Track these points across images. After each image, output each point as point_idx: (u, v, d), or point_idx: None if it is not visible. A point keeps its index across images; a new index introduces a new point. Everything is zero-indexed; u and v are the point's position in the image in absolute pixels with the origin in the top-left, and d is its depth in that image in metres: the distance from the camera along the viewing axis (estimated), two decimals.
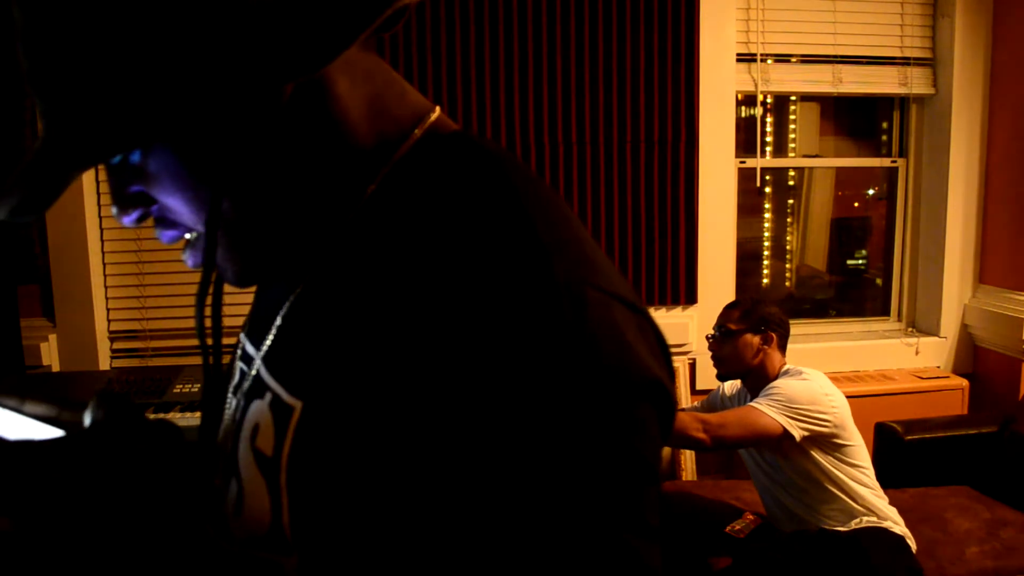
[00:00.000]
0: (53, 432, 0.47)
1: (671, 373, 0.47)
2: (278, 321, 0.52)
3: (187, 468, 0.48)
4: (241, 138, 0.45)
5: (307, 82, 0.46)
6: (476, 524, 0.39)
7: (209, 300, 0.49)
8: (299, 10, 0.42)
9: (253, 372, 0.53)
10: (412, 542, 0.42)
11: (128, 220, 0.48)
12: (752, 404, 1.90)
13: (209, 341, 0.49)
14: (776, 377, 2.01)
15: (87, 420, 0.45)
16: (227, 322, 0.53)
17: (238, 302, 0.77)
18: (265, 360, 0.52)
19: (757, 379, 2.04)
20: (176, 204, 0.47)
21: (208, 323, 0.49)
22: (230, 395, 0.56)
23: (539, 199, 0.46)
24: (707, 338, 2.15)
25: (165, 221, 0.49)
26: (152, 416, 0.52)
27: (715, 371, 2.12)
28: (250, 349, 0.55)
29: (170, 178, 0.46)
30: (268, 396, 0.49)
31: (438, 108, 0.53)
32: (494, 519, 0.39)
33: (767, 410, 1.85)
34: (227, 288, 0.53)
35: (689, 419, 1.83)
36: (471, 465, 0.39)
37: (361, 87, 0.49)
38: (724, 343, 2.06)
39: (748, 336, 2.04)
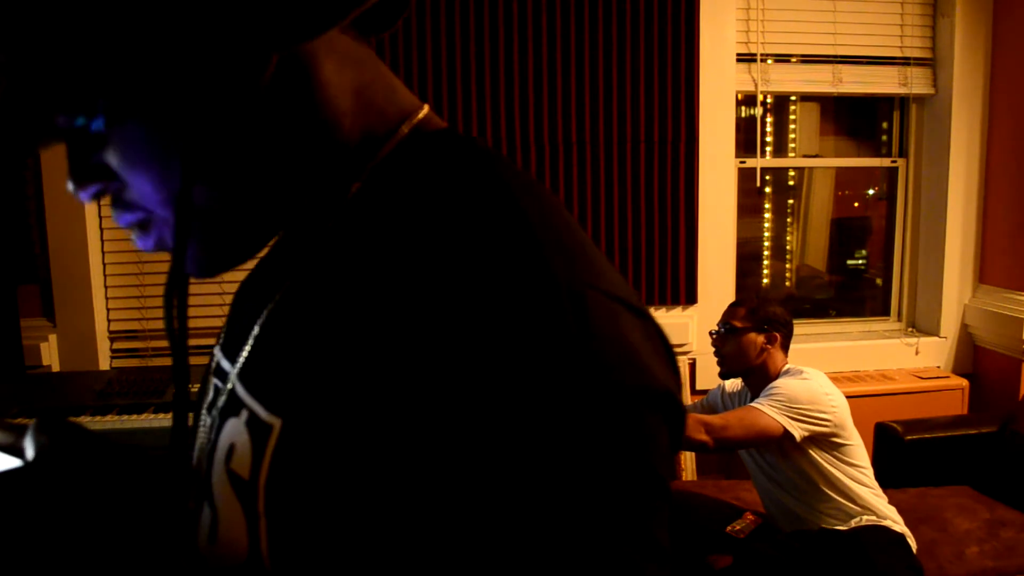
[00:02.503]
0: (11, 462, 0.43)
1: (678, 380, 0.44)
2: (255, 331, 0.48)
3: (153, 492, 0.44)
4: (218, 115, 0.42)
5: (292, 63, 0.43)
6: (474, 548, 0.36)
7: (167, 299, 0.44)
8: None
9: (228, 387, 0.48)
10: (403, 569, 0.38)
11: (85, 195, 0.45)
12: (753, 404, 1.90)
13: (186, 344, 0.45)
14: (777, 376, 2.01)
15: (29, 451, 0.41)
16: (205, 323, 0.50)
17: (213, 303, 0.76)
18: (241, 375, 0.48)
19: (759, 378, 2.04)
20: (139, 183, 0.43)
21: (179, 326, 0.44)
22: (204, 413, 0.52)
23: (535, 199, 0.43)
24: (710, 334, 2.15)
25: (123, 201, 0.45)
26: (152, 416, 0.51)
27: (717, 368, 2.12)
28: (225, 364, 0.51)
29: (137, 152, 0.42)
30: (244, 414, 0.45)
31: (427, 106, 0.51)
32: (494, 542, 0.35)
33: (768, 410, 1.85)
34: (205, 289, 0.49)
35: (691, 421, 1.83)
36: (469, 485, 0.35)
37: (349, 77, 0.46)
38: (728, 340, 2.06)
39: (752, 335, 2.04)
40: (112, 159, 0.43)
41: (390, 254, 0.42)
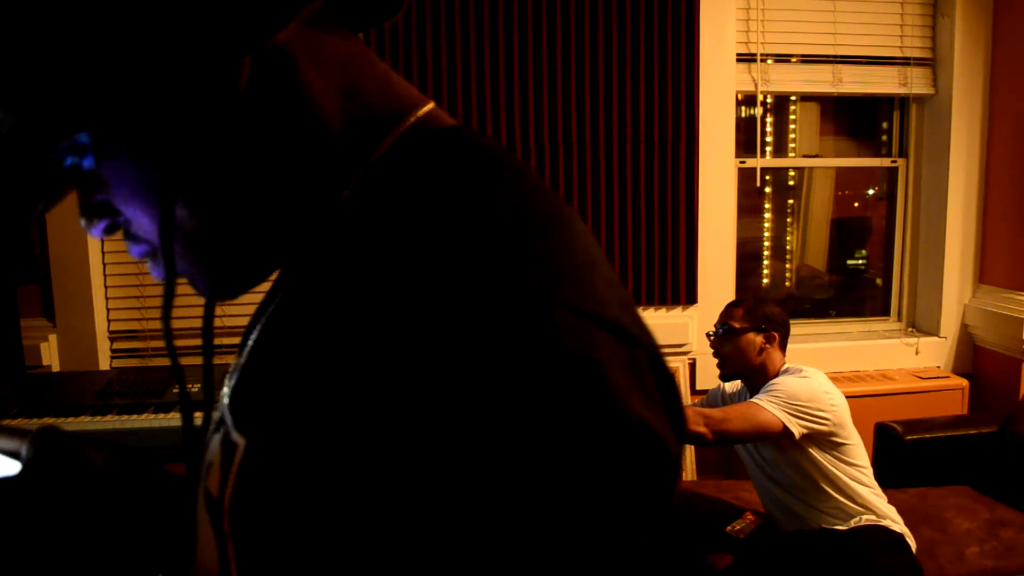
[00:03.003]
0: (12, 468, 0.44)
1: (675, 416, 0.39)
2: (249, 343, 0.46)
3: (153, 506, 0.43)
4: (194, 132, 0.40)
5: (271, 68, 0.41)
6: (434, 567, 0.34)
7: (203, 319, 0.44)
8: None
9: (224, 402, 0.47)
10: None
11: (95, 232, 0.45)
12: (753, 400, 1.90)
13: (197, 358, 0.45)
14: (777, 376, 2.01)
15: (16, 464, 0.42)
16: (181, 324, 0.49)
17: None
18: (233, 389, 0.46)
19: (758, 378, 2.04)
20: (135, 216, 0.43)
21: (194, 342, 0.45)
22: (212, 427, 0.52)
23: (527, 205, 0.40)
24: (708, 336, 2.15)
25: (131, 234, 0.45)
26: (152, 416, 0.51)
27: (718, 369, 2.12)
28: (228, 376, 0.51)
29: (122, 185, 0.42)
30: (222, 431, 0.44)
31: (432, 102, 0.48)
32: (453, 561, 0.33)
33: (768, 406, 1.85)
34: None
35: (691, 413, 1.83)
36: (422, 503, 0.33)
37: (335, 77, 0.44)
38: (726, 341, 2.06)
39: (751, 335, 2.04)
40: (109, 195, 0.43)
41: (368, 269, 0.40)
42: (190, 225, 0.43)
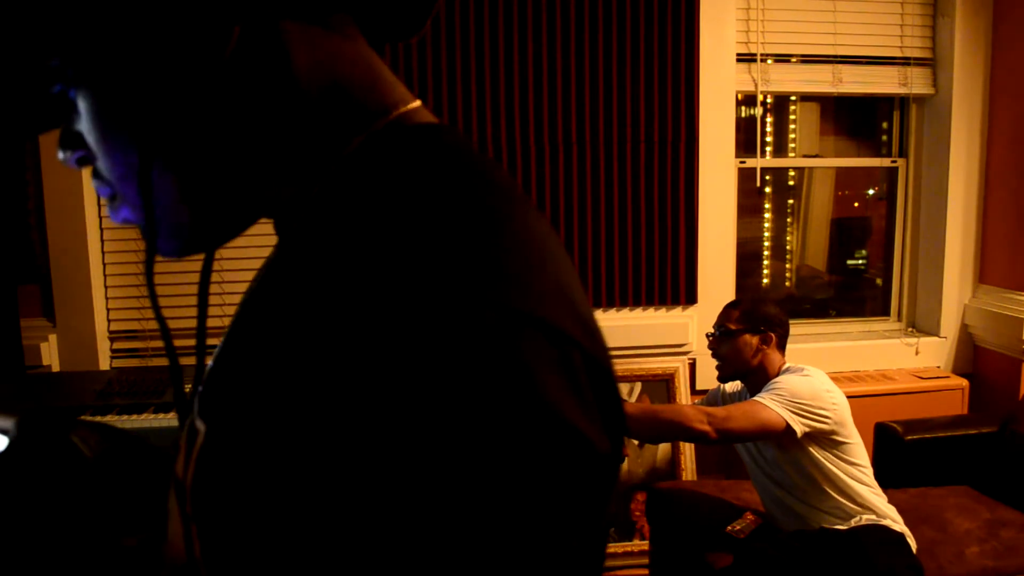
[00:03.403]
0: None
1: (611, 419, 0.39)
2: (225, 337, 0.47)
3: (135, 488, 0.45)
4: (175, 89, 0.41)
5: (261, 46, 0.42)
6: (380, 552, 0.34)
7: (205, 280, 0.45)
8: None
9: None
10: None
11: (70, 161, 0.45)
12: (756, 398, 1.91)
13: (181, 342, 0.46)
14: (777, 375, 2.01)
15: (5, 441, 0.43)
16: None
17: (213, 303, 0.76)
18: (205, 378, 0.48)
19: (757, 379, 2.04)
20: (101, 154, 0.43)
21: (191, 343, 0.46)
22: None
23: (478, 204, 0.40)
24: (707, 336, 2.15)
25: (98, 173, 0.45)
26: (152, 416, 0.52)
27: (717, 372, 2.12)
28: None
29: (93, 122, 0.42)
30: (190, 417, 0.46)
31: (418, 101, 0.49)
32: (392, 545, 0.33)
33: (771, 404, 1.86)
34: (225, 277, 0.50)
35: (694, 412, 1.84)
36: (362, 496, 0.34)
37: (325, 70, 0.44)
38: (723, 343, 2.07)
39: (747, 336, 2.04)
40: (80, 127, 0.43)
41: (319, 261, 0.41)
42: (157, 179, 0.43)
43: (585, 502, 0.36)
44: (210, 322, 0.55)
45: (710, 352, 2.13)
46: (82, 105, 0.42)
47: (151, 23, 0.39)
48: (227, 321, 0.51)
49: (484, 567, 0.33)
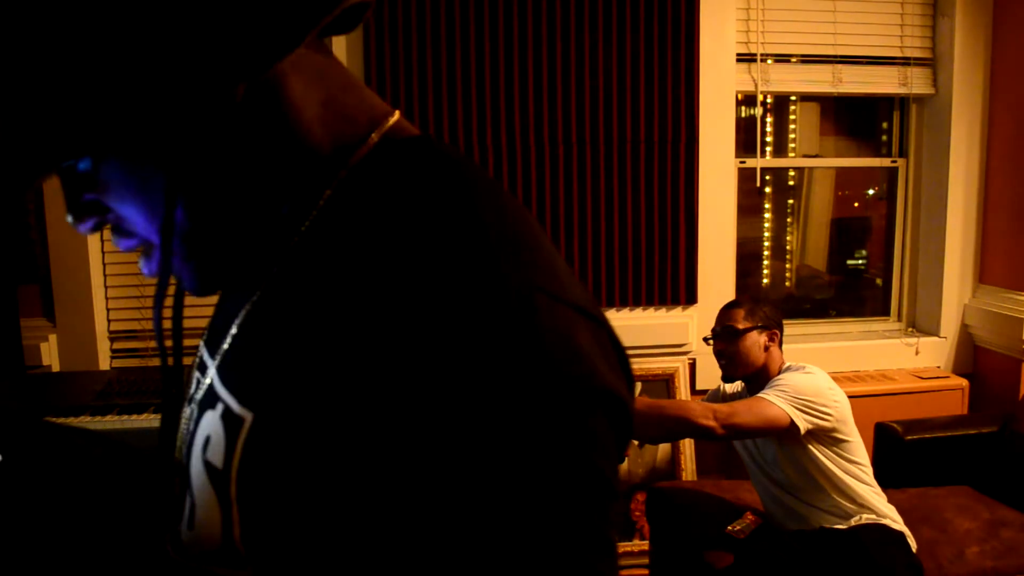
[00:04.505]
0: None
1: (630, 384, 0.45)
2: (233, 330, 0.50)
3: (135, 480, 0.47)
4: (192, 144, 0.44)
5: (260, 84, 0.45)
6: (431, 541, 0.37)
7: (170, 303, 0.48)
8: (246, 8, 0.41)
9: (207, 382, 0.52)
10: (365, 558, 0.40)
11: (83, 228, 0.48)
12: (760, 395, 1.91)
13: (168, 344, 0.48)
14: (779, 374, 2.02)
15: None
16: (188, 324, 0.52)
17: (201, 303, 0.77)
18: (219, 370, 0.50)
19: (760, 377, 2.04)
20: (129, 213, 0.46)
21: (173, 329, 0.47)
22: (186, 405, 0.55)
23: (494, 204, 0.45)
24: (707, 340, 2.15)
25: (121, 230, 0.48)
26: (152, 416, 0.53)
27: (722, 372, 2.11)
28: (207, 358, 0.54)
29: (120, 187, 0.45)
30: (220, 407, 0.48)
31: (397, 112, 0.53)
32: (449, 536, 0.37)
33: (775, 400, 1.86)
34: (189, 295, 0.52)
35: (699, 408, 1.84)
36: (422, 479, 0.37)
37: (316, 89, 0.48)
38: (731, 342, 2.06)
39: (754, 334, 2.04)
40: (101, 195, 0.46)
41: (353, 262, 0.44)
42: (184, 225, 0.46)
43: (614, 454, 0.42)
44: (204, 323, 0.57)
45: (715, 353, 2.12)
46: (107, 174, 0.45)
47: (167, 93, 0.41)
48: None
49: (541, 521, 0.37)
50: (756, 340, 2.04)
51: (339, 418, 0.40)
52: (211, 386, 0.50)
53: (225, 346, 0.51)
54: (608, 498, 0.40)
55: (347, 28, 0.50)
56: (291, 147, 0.47)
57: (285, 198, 0.49)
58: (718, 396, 2.27)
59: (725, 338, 2.07)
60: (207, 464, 0.47)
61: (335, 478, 0.40)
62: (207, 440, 0.48)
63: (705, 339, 2.17)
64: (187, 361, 0.49)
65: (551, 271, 0.43)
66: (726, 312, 2.11)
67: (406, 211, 0.44)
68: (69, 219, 0.47)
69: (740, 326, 2.05)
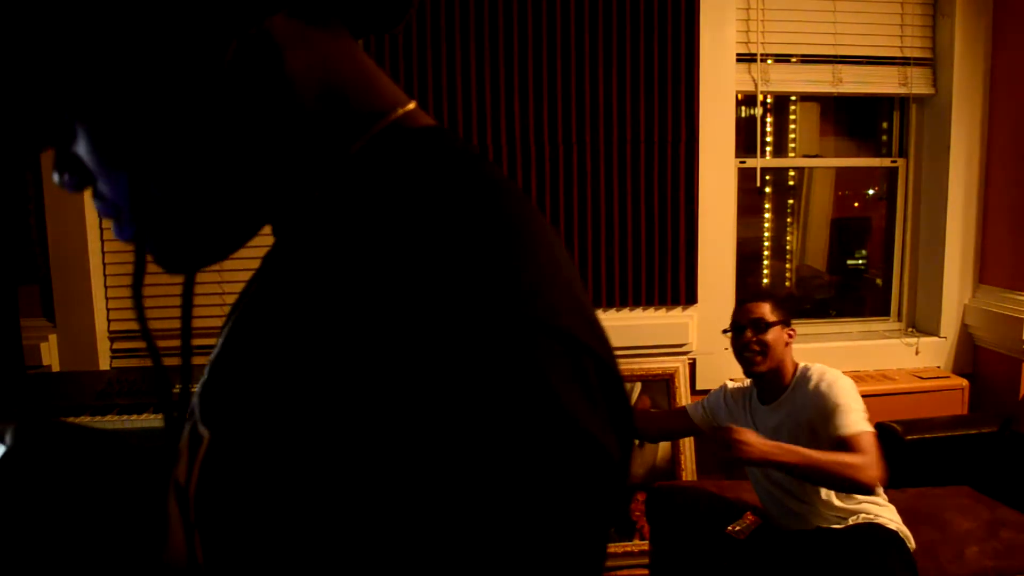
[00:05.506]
0: None
1: (621, 423, 0.39)
2: (221, 339, 0.47)
3: (130, 492, 0.45)
4: (176, 105, 0.40)
5: (254, 52, 0.41)
6: (392, 556, 0.34)
7: (179, 302, 0.46)
8: None
9: (197, 392, 0.49)
10: None
11: (64, 183, 0.45)
12: (853, 426, 1.84)
13: (168, 345, 0.45)
14: (794, 373, 2.01)
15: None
16: (205, 323, 0.50)
17: (201, 304, 0.76)
18: (202, 383, 0.47)
19: (778, 373, 2.03)
20: (102, 176, 0.43)
21: (183, 328, 0.45)
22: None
23: (492, 209, 0.40)
24: (735, 331, 2.08)
25: (98, 193, 0.45)
26: (152, 416, 0.52)
27: (748, 366, 2.06)
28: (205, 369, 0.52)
29: (95, 146, 0.42)
30: (191, 421, 0.46)
31: (413, 102, 0.49)
32: (412, 554, 0.33)
33: (867, 426, 1.85)
34: (206, 289, 0.50)
35: (859, 461, 1.77)
36: (377, 497, 0.34)
37: (319, 72, 0.44)
38: (764, 334, 2.03)
39: (779, 328, 2.04)
40: (79, 151, 0.43)
41: (331, 265, 0.40)
42: (157, 194, 0.43)
43: (595, 506, 0.36)
44: (208, 322, 0.55)
45: (740, 345, 2.06)
46: (82, 129, 0.42)
47: (149, 45, 0.39)
48: (220, 320, 0.51)
49: (493, 570, 0.33)
50: (780, 335, 2.04)
51: (298, 439, 0.36)
52: (196, 396, 0.48)
53: (213, 355, 0.48)
54: (568, 551, 0.35)
55: (388, 26, 0.47)
56: (282, 129, 0.43)
57: (275, 184, 0.45)
58: (719, 397, 2.26)
59: (757, 330, 2.04)
60: (174, 481, 0.45)
61: (294, 502, 0.36)
62: (178, 456, 0.46)
63: (725, 331, 2.14)
64: (198, 360, 0.47)
65: (537, 289, 0.37)
66: (754, 305, 2.08)
67: (399, 213, 0.40)
68: (54, 176, 0.45)
69: (770, 319, 2.04)
